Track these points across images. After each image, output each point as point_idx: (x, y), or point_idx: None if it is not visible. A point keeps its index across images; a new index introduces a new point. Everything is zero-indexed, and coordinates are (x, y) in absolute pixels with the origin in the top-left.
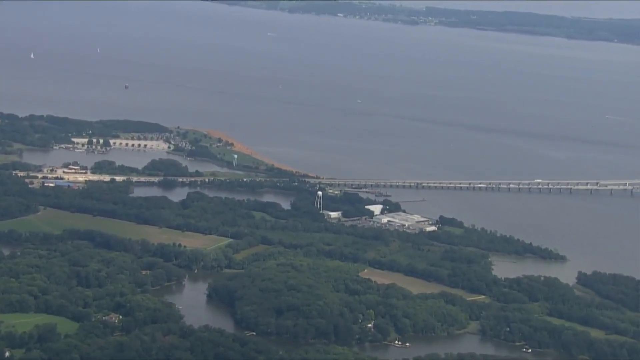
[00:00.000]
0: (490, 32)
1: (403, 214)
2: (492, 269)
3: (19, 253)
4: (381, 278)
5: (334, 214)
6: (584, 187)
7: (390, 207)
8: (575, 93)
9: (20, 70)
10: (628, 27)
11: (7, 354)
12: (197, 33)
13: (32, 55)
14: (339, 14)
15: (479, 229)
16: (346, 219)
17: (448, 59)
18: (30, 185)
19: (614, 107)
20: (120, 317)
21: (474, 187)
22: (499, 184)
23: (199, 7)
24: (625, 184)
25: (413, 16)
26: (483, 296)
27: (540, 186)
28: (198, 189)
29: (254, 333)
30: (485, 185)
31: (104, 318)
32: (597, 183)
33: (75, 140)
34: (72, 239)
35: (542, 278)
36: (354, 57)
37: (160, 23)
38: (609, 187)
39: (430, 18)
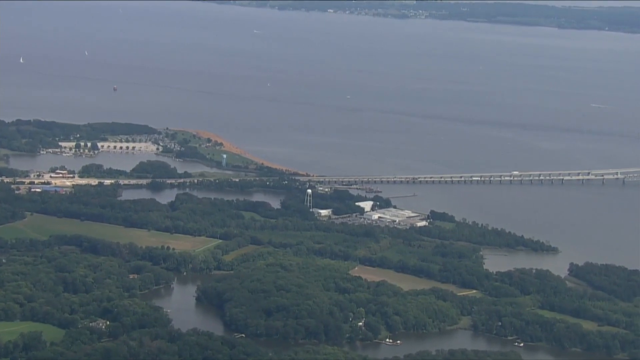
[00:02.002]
0: (480, 24)
1: (394, 209)
2: (484, 263)
3: (4, 260)
4: (372, 275)
5: (324, 212)
6: (576, 178)
7: (381, 203)
8: (563, 82)
9: (9, 75)
10: (618, 15)
11: None
12: (186, 33)
13: (21, 60)
14: (329, 10)
15: (470, 223)
16: (336, 217)
17: (438, 52)
18: (17, 191)
19: (599, 95)
20: (108, 322)
21: (465, 181)
22: (491, 176)
23: (187, 7)
24: (616, 173)
25: (403, 10)
26: (474, 291)
27: (531, 178)
28: (187, 190)
29: (243, 335)
30: (478, 179)
31: (90, 324)
32: (589, 173)
33: (62, 144)
34: (58, 245)
35: (534, 271)
36: (343, 53)
37: (147, 24)
38: (601, 177)
39: (420, 11)
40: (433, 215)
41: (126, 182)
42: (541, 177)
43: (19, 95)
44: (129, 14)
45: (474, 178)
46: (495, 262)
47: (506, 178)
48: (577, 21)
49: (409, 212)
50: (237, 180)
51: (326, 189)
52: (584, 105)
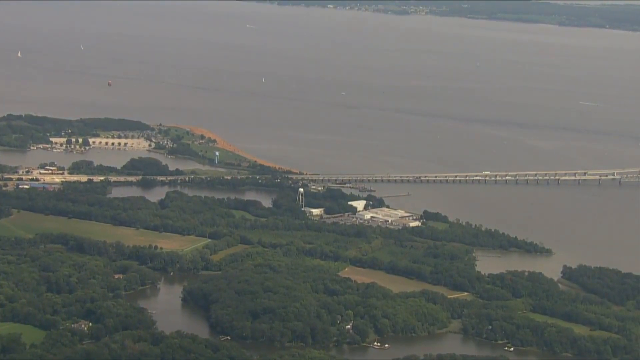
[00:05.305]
0: (481, 21)
1: (387, 209)
2: (476, 265)
3: None
4: (362, 277)
5: (315, 211)
6: (572, 178)
7: (374, 202)
8: (557, 80)
9: (5, 69)
10: (620, 13)
11: None
12: (182, 29)
13: (19, 54)
14: (329, 6)
15: (464, 224)
16: (328, 216)
17: (436, 49)
18: (4, 188)
19: (590, 93)
20: (90, 324)
21: (460, 180)
22: (486, 176)
23: (186, 3)
24: (613, 174)
25: (404, 6)
26: (466, 293)
27: (527, 177)
28: (178, 187)
29: (228, 337)
30: (476, 178)
31: (72, 326)
32: (585, 173)
33: (53, 140)
34: (44, 243)
35: (526, 273)
36: (340, 49)
37: (144, 19)
38: (598, 177)
39: (421, 7)
40: (426, 215)
41: (116, 179)
42: (537, 177)
43: (12, 90)
44: (126, 10)
45: (469, 177)
46: (487, 264)
47: (505, 178)
48: (578, 19)
49: (402, 212)
50: (229, 178)
51: (319, 188)
52: (573, 103)
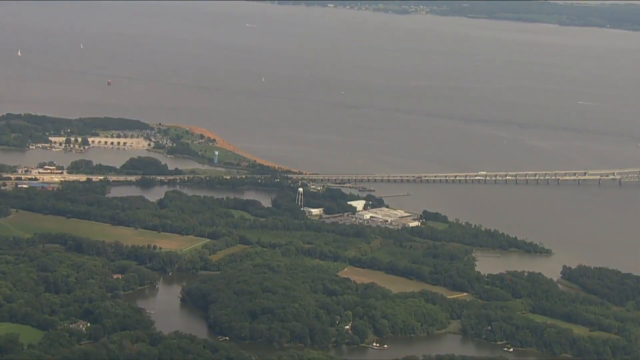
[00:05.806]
0: (481, 20)
1: (386, 209)
2: (475, 265)
3: None
4: (361, 277)
5: (315, 211)
6: (572, 178)
7: (374, 202)
8: (555, 80)
9: (5, 68)
10: (620, 12)
11: None
12: (182, 28)
13: (19, 53)
14: (329, 5)
15: (464, 224)
16: (328, 216)
17: (436, 49)
18: (2, 187)
19: (588, 92)
20: (88, 324)
21: (459, 180)
22: (485, 176)
23: (186, 4)
24: (613, 174)
25: (404, 5)
26: (465, 294)
27: (527, 177)
28: (177, 187)
29: (227, 338)
30: (479, 178)
31: (70, 326)
32: (585, 173)
33: (52, 139)
34: (42, 243)
35: (526, 273)
36: (340, 49)
37: (144, 20)
38: (598, 177)
39: (421, 7)
40: (426, 215)
41: (115, 178)
42: (537, 177)
43: (12, 89)
44: (126, 9)
45: (469, 177)
46: (487, 264)
47: (505, 178)
48: (578, 18)
49: (402, 211)
50: (228, 177)
51: (318, 188)
52: (573, 103)
